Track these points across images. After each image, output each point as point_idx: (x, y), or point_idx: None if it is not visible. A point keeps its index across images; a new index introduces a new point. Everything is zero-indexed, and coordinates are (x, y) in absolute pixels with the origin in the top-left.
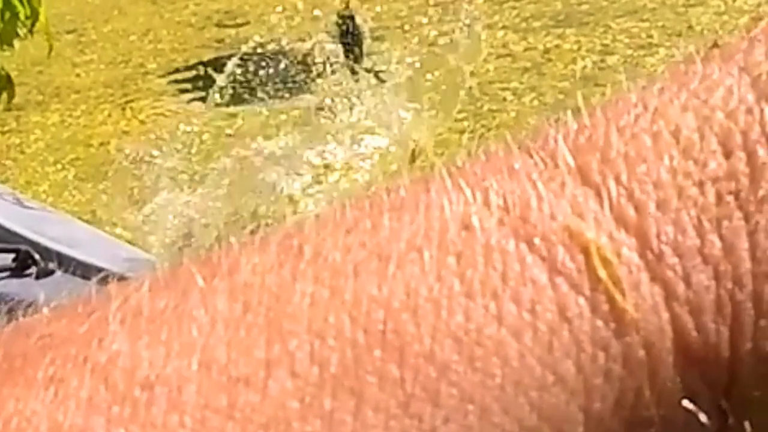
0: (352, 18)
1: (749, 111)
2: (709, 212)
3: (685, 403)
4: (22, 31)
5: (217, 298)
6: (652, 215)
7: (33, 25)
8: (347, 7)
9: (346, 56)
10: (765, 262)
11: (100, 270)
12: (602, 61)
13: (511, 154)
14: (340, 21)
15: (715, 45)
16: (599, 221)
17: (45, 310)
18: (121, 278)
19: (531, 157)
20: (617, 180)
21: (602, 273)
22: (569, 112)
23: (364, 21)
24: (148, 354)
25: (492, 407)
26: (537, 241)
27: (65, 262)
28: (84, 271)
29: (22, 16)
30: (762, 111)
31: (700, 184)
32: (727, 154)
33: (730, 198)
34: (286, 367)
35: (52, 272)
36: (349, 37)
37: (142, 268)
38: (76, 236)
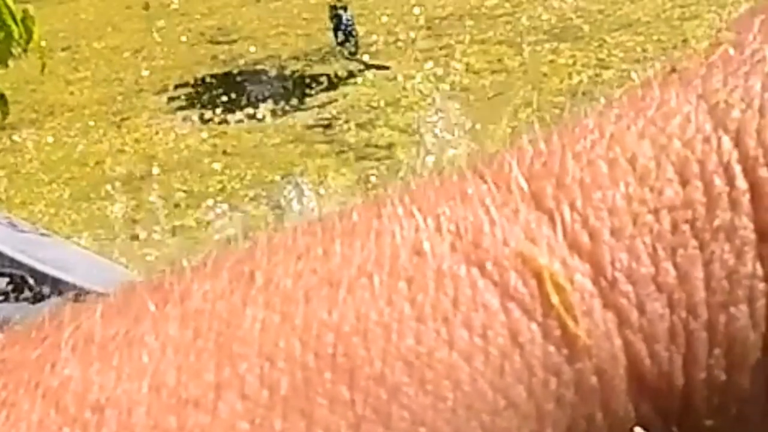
0: (345, 9)
1: (706, 140)
2: (664, 240)
3: (638, 430)
4: (16, 51)
5: (168, 324)
6: (606, 242)
7: (27, 44)
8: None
9: (340, 49)
10: (720, 292)
11: (92, 293)
12: (597, 75)
13: (464, 179)
14: (332, 13)
15: (673, 70)
16: (552, 247)
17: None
18: (78, 299)
19: (485, 182)
20: (572, 206)
21: (555, 299)
22: (525, 137)
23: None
24: (98, 378)
25: (443, 430)
26: (489, 266)
27: (60, 287)
28: (78, 294)
29: (16, 35)
30: (719, 140)
31: (656, 212)
32: (684, 183)
33: (685, 227)
34: (236, 390)
35: (47, 296)
36: (342, 29)
37: None
38: (71, 260)
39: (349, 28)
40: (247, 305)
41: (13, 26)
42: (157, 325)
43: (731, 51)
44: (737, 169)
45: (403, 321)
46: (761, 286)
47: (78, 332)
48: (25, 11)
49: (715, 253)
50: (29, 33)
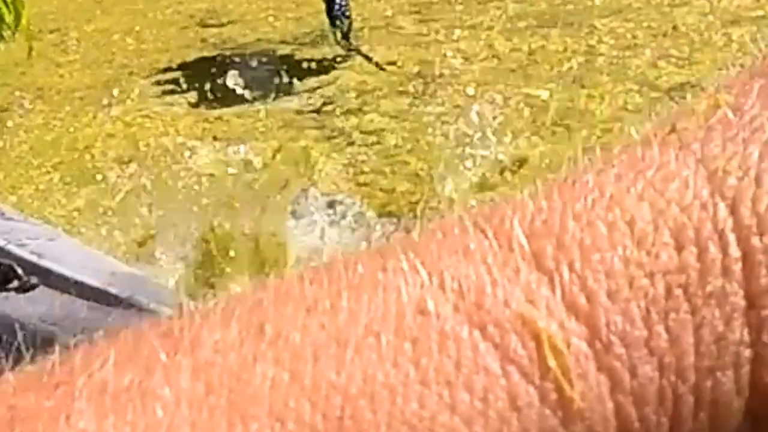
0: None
1: (703, 207)
2: (658, 304)
3: None
4: (6, 33)
5: (180, 375)
6: (602, 304)
7: (17, 27)
8: None
9: (333, 31)
10: (708, 357)
11: (82, 285)
12: (588, 62)
13: (466, 234)
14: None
15: (673, 130)
16: (551, 309)
17: (9, 376)
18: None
19: (486, 237)
20: (571, 267)
21: (552, 362)
22: (526, 192)
23: None
24: None
25: None
26: (491, 328)
27: (48, 277)
28: (67, 285)
29: (6, 18)
30: (716, 207)
31: (651, 276)
32: (679, 248)
33: (678, 291)
34: None
35: (34, 286)
36: (336, 10)
37: (126, 282)
38: (59, 249)
39: (342, 9)
40: (258, 361)
41: (3, 8)
42: (170, 377)
43: (730, 115)
44: (731, 237)
45: (408, 384)
46: (747, 352)
47: (91, 381)
48: None
49: (706, 318)
50: (19, 16)
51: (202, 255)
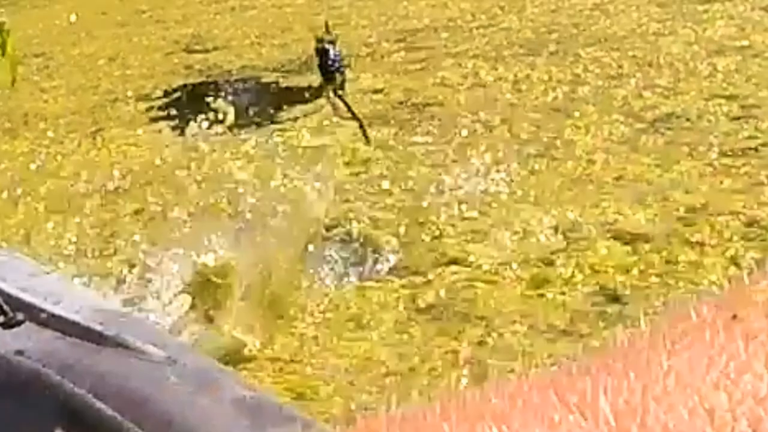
0: (332, 43)
1: None
2: None
3: None
4: None
5: None
6: None
7: (2, 53)
8: (327, 31)
9: (326, 83)
10: None
11: (68, 321)
12: (573, 91)
13: (550, 404)
14: (319, 46)
15: (736, 317)
16: None
17: None
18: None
19: (572, 412)
20: None
21: None
22: (598, 363)
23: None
24: None
25: None
26: None
27: (33, 312)
28: (52, 321)
29: None
30: None
31: None
32: None
33: None
34: None
35: (20, 322)
36: (329, 64)
37: (112, 319)
38: (45, 285)
39: (336, 64)
40: None
41: None
42: None
43: None
44: None
45: None
46: None
47: None
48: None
49: None
50: (4, 43)
51: (200, 286)
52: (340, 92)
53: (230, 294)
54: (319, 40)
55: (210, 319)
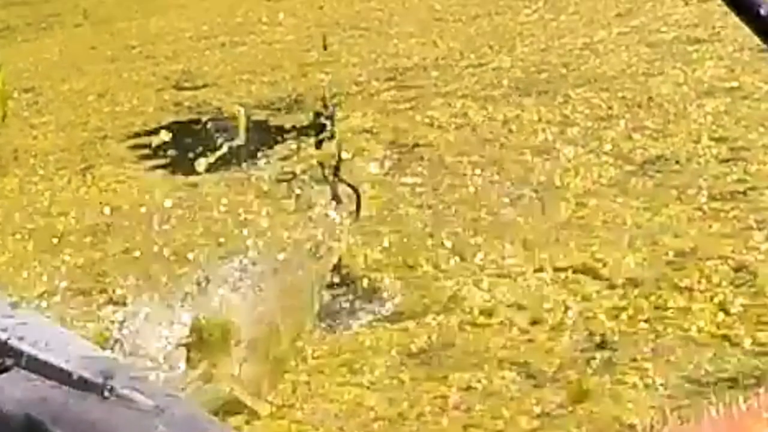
0: (331, 118)
1: None
2: None
3: None
4: None
5: None
6: None
7: None
8: (325, 105)
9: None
10: None
11: (56, 368)
12: (562, 132)
13: None
14: (316, 121)
15: None
16: None
17: None
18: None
19: None
20: None
21: None
22: None
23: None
24: None
25: None
26: None
27: (22, 359)
28: (41, 368)
29: None
30: None
31: None
32: None
33: None
34: None
35: (8, 368)
36: (326, 140)
37: (100, 367)
38: (34, 331)
39: (330, 131)
40: None
41: None
42: None
43: None
44: None
45: None
46: None
47: None
48: None
49: None
50: None
51: (197, 342)
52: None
53: (229, 352)
54: (317, 114)
55: (208, 379)
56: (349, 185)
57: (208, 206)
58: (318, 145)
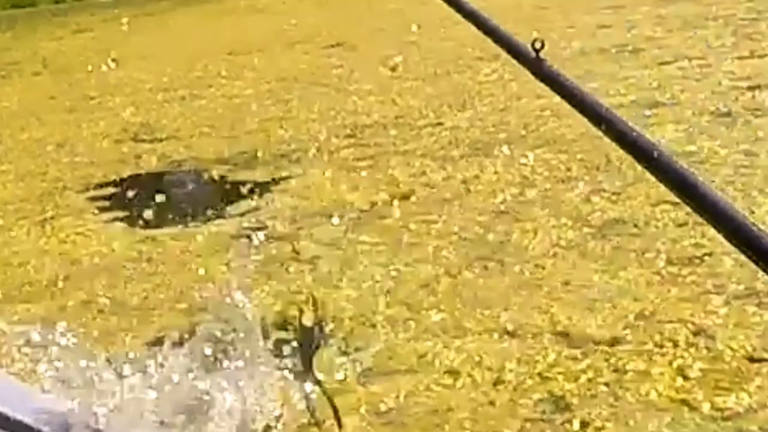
0: (320, 326)
1: None
2: None
3: None
4: None
5: None
6: None
7: None
8: (315, 306)
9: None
10: None
11: (18, 423)
12: (521, 194)
13: None
14: (300, 326)
15: None
16: None
17: None
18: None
19: None
20: None
21: None
22: None
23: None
24: None
25: None
26: None
27: None
28: (3, 423)
29: None
30: None
31: None
32: None
33: None
34: None
35: None
36: (311, 347)
37: (61, 422)
38: None
39: (318, 347)
40: None
41: None
42: None
43: None
44: None
45: None
46: None
47: None
48: None
49: None
50: None
51: None
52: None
53: None
54: (302, 326)
55: None
56: (328, 398)
57: (168, 262)
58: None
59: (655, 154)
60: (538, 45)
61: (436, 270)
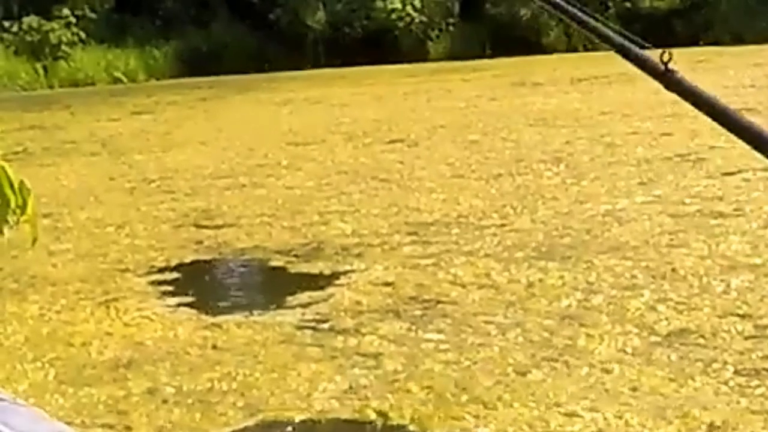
0: None
1: None
2: None
3: None
4: (12, 219)
5: None
6: None
7: (23, 214)
8: None
9: None
10: None
11: None
12: (586, 299)
13: None
14: None
15: None
16: None
17: None
18: None
19: None
20: None
21: None
22: None
23: None
24: None
25: None
26: None
27: None
28: None
29: (12, 204)
30: None
31: None
32: None
33: None
34: None
35: None
36: None
37: None
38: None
39: None
40: None
41: (10, 194)
42: None
43: None
44: None
45: None
46: None
47: None
48: (21, 181)
49: None
50: (25, 203)
51: None
52: None
53: None
54: None
55: None
56: None
57: (233, 350)
58: None
59: None
60: (666, 58)
61: (503, 369)
